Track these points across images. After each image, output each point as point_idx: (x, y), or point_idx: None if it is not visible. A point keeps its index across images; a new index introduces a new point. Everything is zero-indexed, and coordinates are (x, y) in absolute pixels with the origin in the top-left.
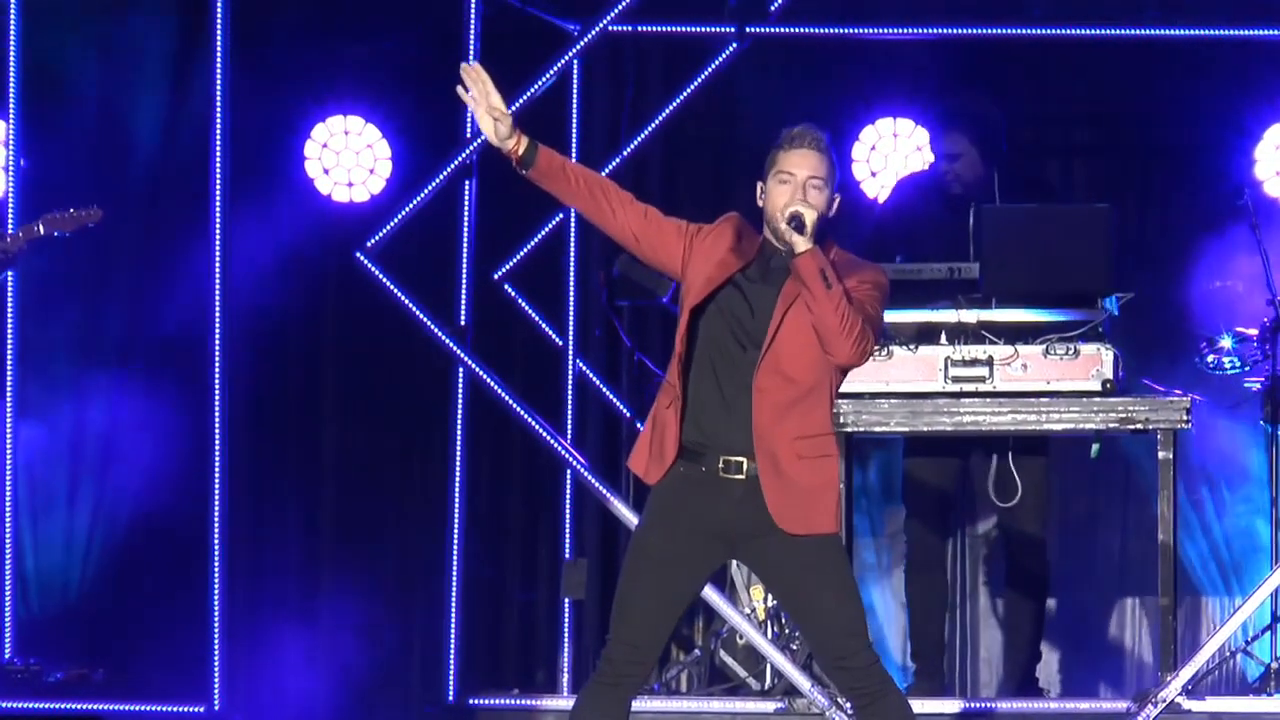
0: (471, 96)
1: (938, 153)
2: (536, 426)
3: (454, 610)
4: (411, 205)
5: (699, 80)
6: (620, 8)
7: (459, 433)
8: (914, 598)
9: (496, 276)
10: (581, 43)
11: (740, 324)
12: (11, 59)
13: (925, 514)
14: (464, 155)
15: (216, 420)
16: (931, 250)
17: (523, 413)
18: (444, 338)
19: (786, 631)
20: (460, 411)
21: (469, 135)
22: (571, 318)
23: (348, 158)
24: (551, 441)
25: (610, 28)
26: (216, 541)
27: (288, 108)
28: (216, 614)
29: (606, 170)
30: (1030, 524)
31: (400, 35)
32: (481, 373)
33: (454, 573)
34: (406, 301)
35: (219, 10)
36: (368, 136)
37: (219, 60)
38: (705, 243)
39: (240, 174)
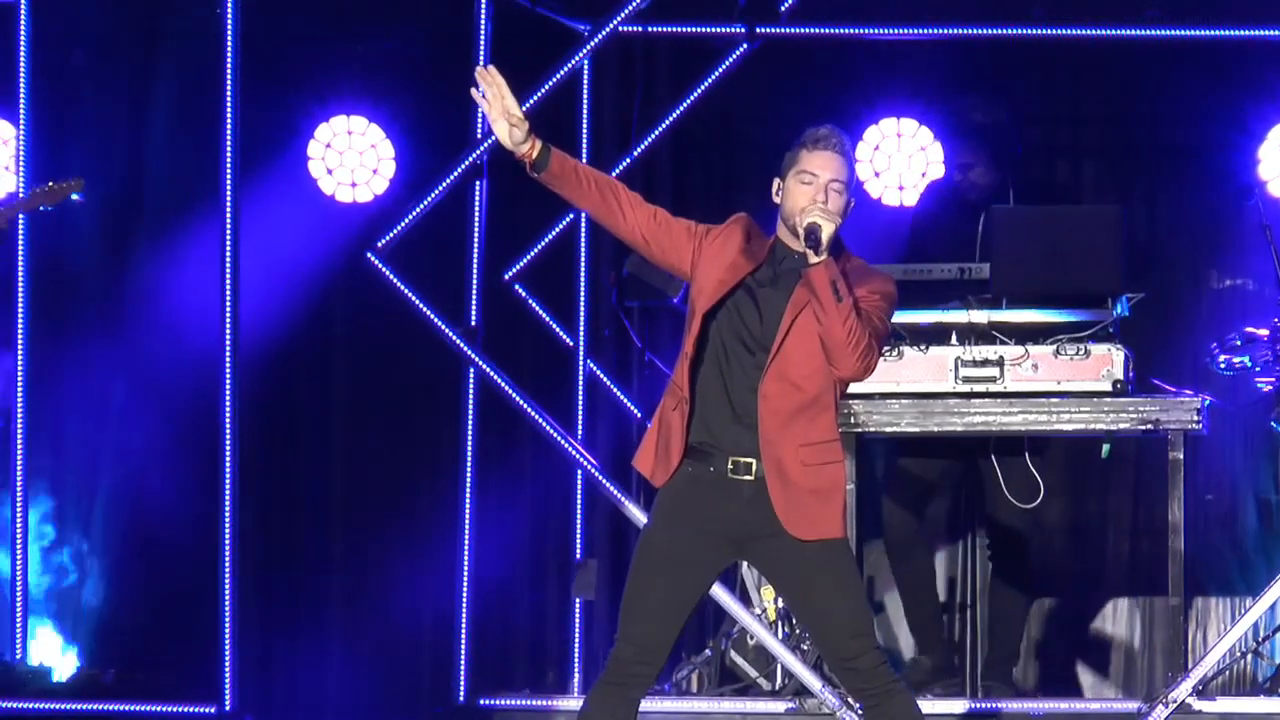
0: (486, 100)
1: (950, 162)
2: (547, 426)
3: (464, 610)
4: (423, 206)
5: (709, 81)
6: (631, 8)
7: (469, 433)
8: (900, 591)
9: (507, 277)
10: (592, 43)
11: (749, 328)
12: (22, 61)
13: (904, 505)
14: (475, 155)
15: (226, 420)
16: (947, 256)
17: (533, 413)
18: (455, 338)
19: (797, 632)
20: (471, 412)
21: (479, 135)
22: (582, 318)
23: (351, 158)
24: (562, 441)
25: (620, 28)
26: (227, 541)
27: (291, 108)
28: (227, 614)
29: (616, 171)
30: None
31: (403, 34)
32: (492, 373)
33: (464, 573)
34: (417, 302)
35: (229, 11)
36: (371, 136)
37: (229, 60)
38: (715, 244)
39: (244, 174)
